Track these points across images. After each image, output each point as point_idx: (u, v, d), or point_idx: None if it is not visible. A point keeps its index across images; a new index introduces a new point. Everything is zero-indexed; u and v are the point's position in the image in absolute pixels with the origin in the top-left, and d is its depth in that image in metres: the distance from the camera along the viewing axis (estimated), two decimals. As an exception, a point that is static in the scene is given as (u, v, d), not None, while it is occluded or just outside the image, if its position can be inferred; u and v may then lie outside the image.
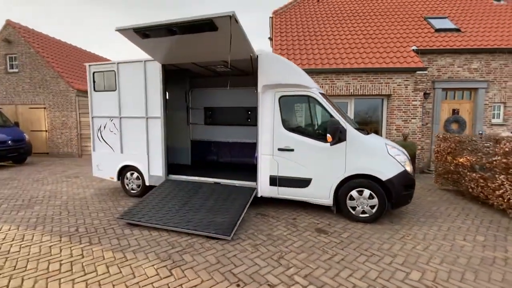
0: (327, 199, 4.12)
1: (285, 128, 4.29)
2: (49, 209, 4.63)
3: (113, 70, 5.16)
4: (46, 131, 11.41)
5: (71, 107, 11.05)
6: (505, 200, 4.21)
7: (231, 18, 3.15)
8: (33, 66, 11.19)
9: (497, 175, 4.36)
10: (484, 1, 10.52)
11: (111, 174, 5.47)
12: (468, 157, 5.15)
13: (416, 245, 3.29)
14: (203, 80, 6.56)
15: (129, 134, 5.21)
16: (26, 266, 2.80)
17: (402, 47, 8.26)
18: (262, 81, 4.30)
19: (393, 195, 3.82)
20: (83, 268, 2.76)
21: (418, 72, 7.56)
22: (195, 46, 4.02)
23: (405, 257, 2.98)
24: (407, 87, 7.57)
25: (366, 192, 3.89)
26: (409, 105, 7.63)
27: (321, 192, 4.13)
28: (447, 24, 9.33)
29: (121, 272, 2.69)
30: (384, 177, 3.81)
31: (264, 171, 4.40)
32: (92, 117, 5.48)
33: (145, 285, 2.47)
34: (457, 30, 9.02)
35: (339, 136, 3.88)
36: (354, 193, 3.95)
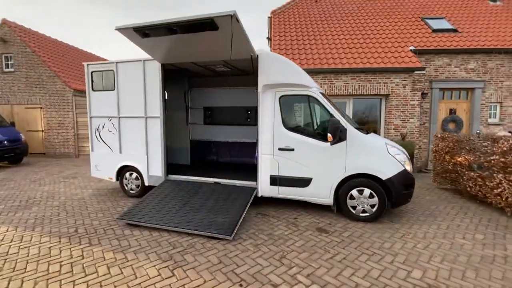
0: (328, 199, 4.13)
1: (286, 127, 4.29)
2: (47, 210, 4.58)
3: (112, 70, 5.12)
4: (42, 131, 11.30)
5: (68, 107, 10.95)
6: (503, 199, 4.26)
7: (232, 18, 3.13)
8: (29, 66, 11.07)
9: (495, 174, 4.40)
10: (480, 2, 10.63)
11: (109, 175, 5.43)
12: (466, 156, 5.20)
13: (416, 243, 3.31)
14: (202, 79, 6.53)
15: (128, 134, 5.18)
16: (25, 268, 2.77)
17: (400, 47, 8.31)
18: (262, 80, 4.30)
19: (393, 194, 3.85)
20: (83, 269, 2.73)
21: (416, 72, 7.62)
22: (195, 46, 4.01)
23: (406, 256, 3.00)
24: (405, 87, 7.62)
25: (367, 191, 3.91)
26: (407, 105, 7.68)
27: (322, 191, 4.14)
28: (444, 24, 9.41)
29: (122, 273, 2.66)
30: (384, 176, 3.83)
31: (265, 171, 4.40)
32: (91, 117, 5.44)
33: (147, 286, 2.45)
34: (454, 30, 9.10)
35: (339, 135, 3.89)
36: (354, 192, 3.97)
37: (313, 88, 4.25)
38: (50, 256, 2.99)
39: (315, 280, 2.54)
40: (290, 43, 8.93)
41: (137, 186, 5.27)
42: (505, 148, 4.23)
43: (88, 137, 5.58)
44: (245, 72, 5.62)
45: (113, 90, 5.15)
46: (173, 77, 6.01)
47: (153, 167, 5.05)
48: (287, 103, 4.41)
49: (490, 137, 4.77)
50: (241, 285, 2.47)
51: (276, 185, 4.36)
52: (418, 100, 7.67)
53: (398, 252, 3.09)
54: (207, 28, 3.39)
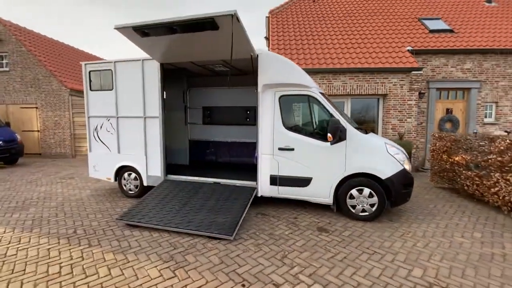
0: (327, 198, 4.14)
1: (286, 127, 4.29)
2: (44, 211, 4.53)
3: (110, 69, 5.07)
4: (38, 131, 11.17)
5: (64, 106, 10.84)
6: (500, 198, 4.31)
7: (233, 17, 3.12)
8: (24, 65, 10.93)
9: (492, 173, 4.46)
10: (476, 2, 10.74)
11: (108, 175, 5.38)
12: (463, 156, 5.25)
13: (416, 242, 3.33)
14: (201, 79, 6.51)
15: (127, 134, 5.14)
16: (24, 270, 2.73)
17: (398, 48, 8.36)
18: (262, 80, 4.29)
19: (393, 194, 3.87)
20: (84, 270, 2.71)
21: (413, 72, 7.67)
22: (195, 45, 3.99)
23: (406, 255, 3.02)
24: (402, 87, 7.67)
25: (366, 191, 3.93)
26: (405, 105, 7.74)
27: (322, 191, 4.15)
28: (441, 25, 9.49)
29: (123, 274, 2.65)
30: (383, 176, 3.85)
31: (265, 171, 4.40)
32: (88, 117, 5.39)
33: (150, 287, 2.44)
34: (451, 31, 9.19)
35: (339, 135, 3.90)
36: (354, 191, 3.99)
37: (313, 88, 4.26)
38: (49, 258, 2.96)
39: (317, 280, 2.55)
40: (288, 43, 8.94)
41: (136, 187, 5.24)
42: (502, 148, 4.28)
43: (85, 137, 5.54)
44: (244, 71, 5.61)
45: (111, 90, 5.11)
46: (172, 76, 5.97)
47: (152, 167, 5.02)
48: (287, 103, 4.41)
49: (487, 137, 4.82)
50: (243, 285, 2.47)
51: (276, 185, 4.36)
52: (416, 100, 7.73)
53: (398, 251, 3.11)
54: (207, 28, 3.38)
